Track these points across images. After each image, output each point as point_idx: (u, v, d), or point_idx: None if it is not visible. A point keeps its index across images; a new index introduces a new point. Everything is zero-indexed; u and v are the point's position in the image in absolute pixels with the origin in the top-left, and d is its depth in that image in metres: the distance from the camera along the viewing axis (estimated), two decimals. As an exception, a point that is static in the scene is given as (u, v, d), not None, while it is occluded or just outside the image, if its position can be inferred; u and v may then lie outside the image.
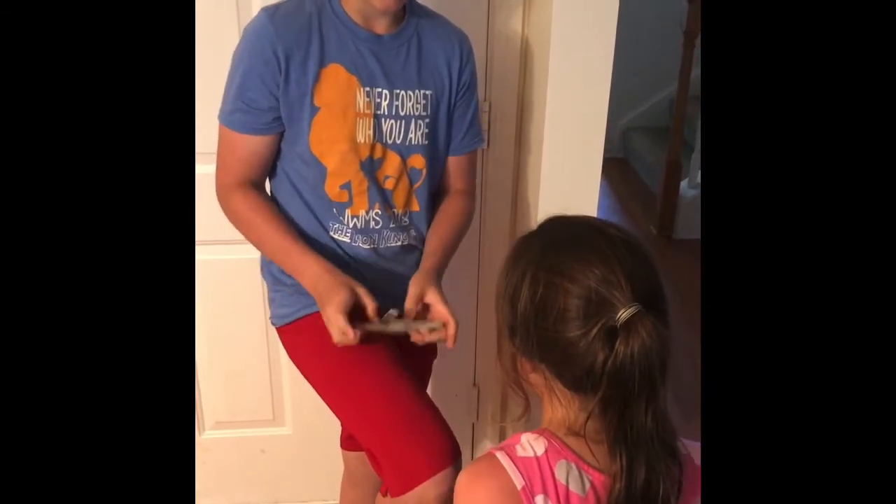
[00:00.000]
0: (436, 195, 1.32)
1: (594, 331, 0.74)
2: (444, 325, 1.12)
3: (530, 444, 0.80)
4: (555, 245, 0.81)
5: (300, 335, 1.26)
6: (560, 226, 0.85)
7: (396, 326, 1.13)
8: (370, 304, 1.12)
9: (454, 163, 1.32)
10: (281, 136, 1.20)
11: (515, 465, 0.78)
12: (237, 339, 1.72)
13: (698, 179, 3.41)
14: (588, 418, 0.77)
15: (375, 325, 1.12)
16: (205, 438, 1.80)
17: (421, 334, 1.13)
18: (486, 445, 1.95)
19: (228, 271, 1.64)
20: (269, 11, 1.15)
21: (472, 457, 1.95)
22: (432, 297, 1.14)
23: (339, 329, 1.10)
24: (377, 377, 1.17)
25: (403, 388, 1.17)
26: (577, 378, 0.77)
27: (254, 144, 1.19)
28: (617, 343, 0.73)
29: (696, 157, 3.41)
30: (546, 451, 0.79)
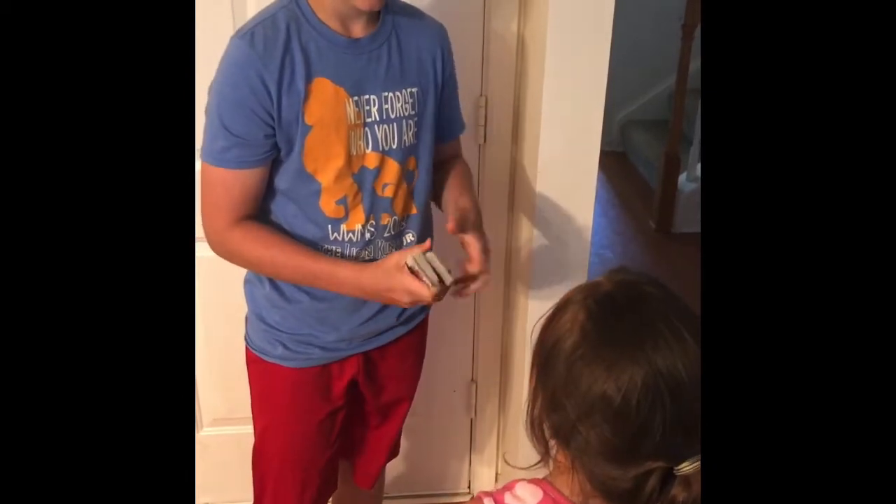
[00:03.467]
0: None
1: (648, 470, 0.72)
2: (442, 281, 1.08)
3: (524, 493, 0.78)
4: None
5: (263, 375, 1.37)
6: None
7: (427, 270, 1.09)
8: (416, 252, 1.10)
9: (447, 148, 1.34)
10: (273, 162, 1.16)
11: None
12: (236, 336, 1.70)
13: (697, 173, 3.40)
14: None
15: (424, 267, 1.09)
16: (203, 435, 1.80)
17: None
18: (485, 442, 1.94)
19: (228, 267, 1.63)
20: (245, 39, 1.08)
21: (471, 452, 1.95)
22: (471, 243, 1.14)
23: (427, 295, 1.08)
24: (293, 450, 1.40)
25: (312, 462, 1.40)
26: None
27: (251, 178, 1.14)
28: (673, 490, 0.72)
29: (695, 150, 3.40)
30: (540, 502, 0.78)
